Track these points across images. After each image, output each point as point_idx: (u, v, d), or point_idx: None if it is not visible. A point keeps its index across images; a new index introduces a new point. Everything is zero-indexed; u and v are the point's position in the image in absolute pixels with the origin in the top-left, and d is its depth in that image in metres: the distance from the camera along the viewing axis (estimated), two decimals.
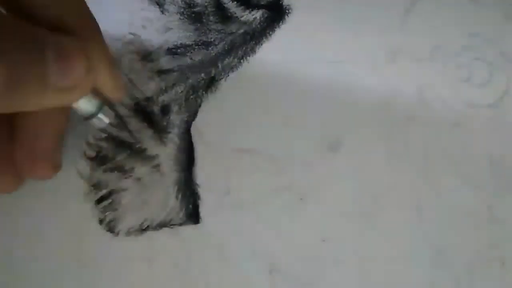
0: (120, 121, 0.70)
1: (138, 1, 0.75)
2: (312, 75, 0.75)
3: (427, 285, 0.70)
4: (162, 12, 0.76)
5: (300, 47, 0.76)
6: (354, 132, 0.74)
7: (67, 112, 0.62)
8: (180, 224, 0.71)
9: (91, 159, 0.72)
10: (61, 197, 0.71)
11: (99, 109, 0.59)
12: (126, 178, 0.72)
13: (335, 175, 0.72)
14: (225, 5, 0.76)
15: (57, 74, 0.42)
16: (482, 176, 0.72)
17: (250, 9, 0.76)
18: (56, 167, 0.66)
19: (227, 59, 0.75)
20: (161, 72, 0.75)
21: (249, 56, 0.75)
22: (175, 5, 0.76)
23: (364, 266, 0.70)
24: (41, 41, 0.43)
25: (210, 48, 0.75)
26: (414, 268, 0.70)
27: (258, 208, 0.72)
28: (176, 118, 0.74)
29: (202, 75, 0.75)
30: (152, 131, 0.73)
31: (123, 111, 0.73)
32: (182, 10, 0.76)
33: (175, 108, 0.74)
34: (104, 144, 0.72)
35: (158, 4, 0.76)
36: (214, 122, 0.74)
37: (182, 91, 0.74)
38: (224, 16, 0.76)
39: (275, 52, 0.75)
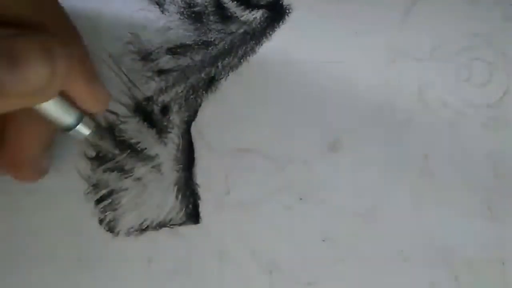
0: (103, 132, 0.69)
1: (138, 1, 0.75)
2: (312, 75, 0.75)
3: (427, 285, 0.70)
4: (162, 12, 0.76)
5: (300, 47, 0.76)
6: (354, 132, 0.74)
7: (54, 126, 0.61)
8: (180, 224, 0.71)
9: (91, 159, 0.72)
10: (61, 197, 0.71)
11: (79, 121, 0.57)
12: (126, 178, 0.72)
13: (335, 175, 0.72)
14: (225, 5, 0.76)
15: (11, 81, 0.39)
16: (482, 176, 0.72)
17: (250, 9, 0.76)
18: (41, 173, 0.66)
19: (227, 59, 0.75)
20: (161, 72, 0.75)
21: (249, 56, 0.75)
22: (175, 5, 0.76)
23: (364, 266, 0.70)
24: None
25: (210, 48, 0.75)
26: (414, 268, 0.70)
27: (258, 208, 0.72)
28: (176, 118, 0.74)
29: (202, 75, 0.75)
30: (152, 131, 0.73)
31: (123, 111, 0.73)
32: (182, 10, 0.76)
33: (175, 108, 0.74)
34: (104, 144, 0.72)
35: (158, 4, 0.76)
36: (214, 122, 0.74)
37: (182, 91, 0.74)
38: (224, 15, 0.76)
39: (275, 52, 0.75)
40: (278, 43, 0.75)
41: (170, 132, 0.73)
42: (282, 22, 0.76)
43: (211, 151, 0.73)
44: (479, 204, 0.71)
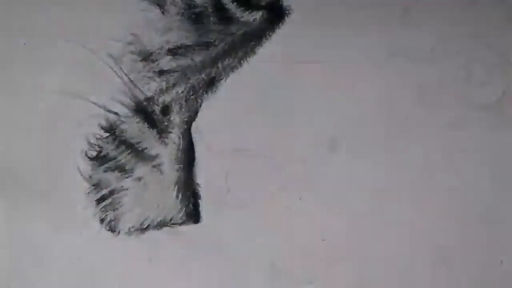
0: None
1: (139, 2, 0.76)
2: (312, 75, 0.75)
3: (427, 285, 0.70)
4: (163, 13, 0.76)
5: (300, 47, 0.76)
6: (354, 132, 0.74)
7: None
8: (181, 224, 0.72)
9: (91, 159, 0.73)
10: (62, 196, 0.71)
11: None
12: (126, 177, 0.73)
13: (335, 175, 0.73)
14: (226, 6, 0.76)
15: None
16: (482, 176, 0.72)
17: (250, 10, 0.76)
18: None
19: (227, 60, 0.75)
20: (161, 73, 0.75)
21: (249, 56, 0.75)
22: (176, 6, 0.77)
23: (364, 266, 0.70)
24: None
25: (210, 49, 0.75)
26: (414, 267, 0.70)
27: (258, 208, 0.72)
28: (176, 118, 0.74)
29: (203, 75, 0.75)
30: (152, 131, 0.73)
31: (124, 111, 0.73)
32: (182, 11, 0.76)
33: (175, 108, 0.74)
34: (105, 144, 0.73)
35: (158, 5, 0.76)
36: (214, 122, 0.74)
37: (182, 92, 0.75)
38: (224, 17, 0.76)
39: (275, 52, 0.75)
40: (278, 44, 0.75)
41: (170, 132, 0.74)
42: (282, 23, 0.76)
43: (211, 151, 0.73)
44: (478, 204, 0.71)
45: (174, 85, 0.75)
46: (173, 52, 0.75)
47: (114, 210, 0.71)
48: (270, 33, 0.76)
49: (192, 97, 0.74)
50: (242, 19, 0.76)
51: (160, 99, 0.74)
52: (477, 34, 0.75)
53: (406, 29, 0.76)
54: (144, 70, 0.75)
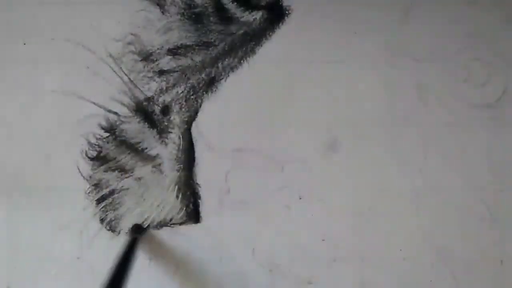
0: None
1: (139, 2, 0.76)
2: (312, 75, 0.75)
3: (427, 285, 0.70)
4: (163, 13, 0.76)
5: (300, 47, 0.76)
6: (354, 132, 0.74)
7: None
8: (181, 224, 0.72)
9: (92, 159, 0.73)
10: (62, 196, 0.71)
11: None
12: (126, 177, 0.73)
13: (335, 175, 0.73)
14: (226, 6, 0.76)
15: None
16: (482, 176, 0.72)
17: (250, 10, 0.76)
18: None
19: (227, 60, 0.75)
20: (161, 73, 0.75)
21: (249, 56, 0.75)
22: (176, 6, 0.77)
23: (364, 266, 0.70)
24: None
25: (210, 49, 0.75)
26: (414, 267, 0.70)
27: (258, 208, 0.72)
28: (176, 118, 0.74)
29: (203, 75, 0.75)
30: (152, 131, 0.74)
31: (124, 111, 0.73)
32: (182, 11, 0.76)
33: (175, 108, 0.74)
34: (105, 144, 0.73)
35: (158, 5, 0.76)
36: (214, 122, 0.74)
37: (182, 92, 0.75)
38: (224, 17, 0.76)
39: (275, 52, 0.75)
40: (278, 43, 0.76)
41: (170, 132, 0.74)
42: (282, 22, 0.76)
43: (212, 151, 0.73)
44: (478, 204, 0.71)
45: (174, 85, 0.75)
46: (173, 52, 0.75)
47: (114, 210, 0.72)
48: (270, 33, 0.76)
49: (192, 97, 0.75)
50: (242, 19, 0.76)
51: (160, 99, 0.74)
52: (477, 34, 0.75)
53: (406, 29, 0.76)
54: (144, 70, 0.75)
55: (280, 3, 0.76)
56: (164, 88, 0.75)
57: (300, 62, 0.75)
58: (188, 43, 0.76)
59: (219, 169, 0.73)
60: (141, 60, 0.75)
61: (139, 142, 0.73)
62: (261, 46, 0.75)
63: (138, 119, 0.74)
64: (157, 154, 0.73)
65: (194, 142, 0.73)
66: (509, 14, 0.76)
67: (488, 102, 0.74)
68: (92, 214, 0.72)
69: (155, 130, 0.74)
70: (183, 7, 0.77)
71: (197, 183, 0.72)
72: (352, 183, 0.72)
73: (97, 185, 0.72)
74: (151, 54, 0.75)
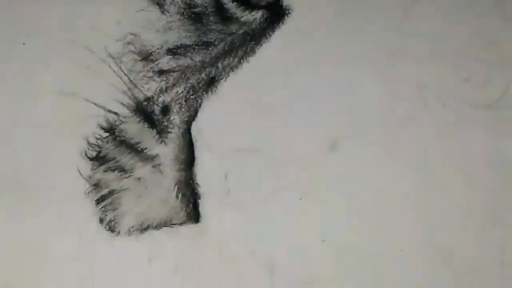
0: None
1: (138, 2, 0.76)
2: (312, 75, 0.75)
3: (427, 285, 0.70)
4: (163, 12, 0.76)
5: (300, 47, 0.76)
6: (354, 132, 0.74)
7: None
8: (181, 224, 0.72)
9: (91, 159, 0.73)
10: (62, 196, 0.71)
11: None
12: (126, 178, 0.73)
13: (335, 175, 0.73)
14: (225, 6, 0.76)
15: None
16: (482, 176, 0.72)
17: (250, 10, 0.76)
18: None
19: (227, 59, 0.75)
20: (161, 72, 0.75)
21: (249, 56, 0.75)
22: (176, 6, 0.77)
23: (364, 266, 0.70)
24: None
25: (210, 49, 0.75)
26: (414, 267, 0.70)
27: (258, 208, 0.72)
28: (176, 118, 0.74)
29: (202, 75, 0.75)
30: (152, 131, 0.73)
31: (123, 111, 0.73)
32: (182, 10, 0.76)
33: (175, 108, 0.74)
34: (105, 144, 0.73)
35: (158, 5, 0.76)
36: (214, 122, 0.74)
37: (182, 91, 0.75)
38: (224, 16, 0.76)
39: (275, 52, 0.75)
40: (278, 43, 0.76)
41: (170, 132, 0.74)
42: (282, 22, 0.76)
43: (211, 151, 0.73)
44: (478, 204, 0.71)
45: (174, 85, 0.75)
46: (173, 51, 0.75)
47: (113, 210, 0.71)
48: (270, 33, 0.76)
49: (192, 97, 0.74)
50: (242, 19, 0.76)
51: (160, 99, 0.74)
52: (477, 33, 0.75)
53: (406, 29, 0.76)
54: (144, 70, 0.75)
55: (280, 3, 0.76)
56: (164, 88, 0.75)
57: (300, 62, 0.75)
58: (188, 43, 0.76)
59: (219, 169, 0.73)
60: (140, 60, 0.75)
61: (139, 142, 0.73)
62: (261, 45, 0.75)
63: (137, 119, 0.74)
64: (157, 154, 0.73)
65: (194, 142, 0.73)
66: (510, 14, 0.76)
67: (489, 102, 0.74)
68: (92, 214, 0.72)
69: (155, 130, 0.74)
70: (183, 6, 0.77)
71: (197, 183, 0.72)
72: (352, 183, 0.72)
73: (96, 185, 0.72)
74: (150, 54, 0.75)
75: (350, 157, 0.73)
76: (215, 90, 0.75)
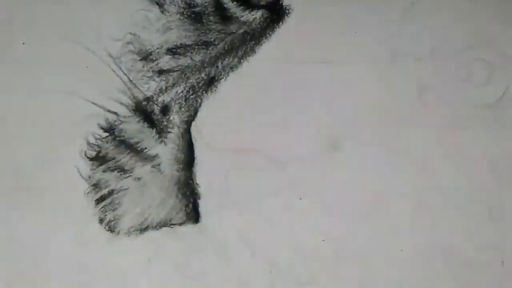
0: None
1: (138, 1, 0.75)
2: (312, 75, 0.75)
3: (427, 285, 0.70)
4: (162, 12, 0.76)
5: (300, 47, 0.76)
6: (354, 132, 0.74)
7: None
8: (180, 224, 0.71)
9: (91, 159, 0.73)
10: (62, 196, 0.71)
11: None
12: (126, 177, 0.73)
13: (335, 175, 0.73)
14: (225, 5, 0.76)
15: None
16: (482, 176, 0.72)
17: (250, 9, 0.76)
18: None
19: (227, 59, 0.75)
20: (161, 72, 0.75)
21: (249, 56, 0.75)
22: (175, 5, 0.76)
23: (364, 266, 0.70)
24: None
25: (210, 48, 0.75)
26: (414, 267, 0.70)
27: (258, 208, 0.72)
28: (176, 118, 0.74)
29: (202, 75, 0.75)
30: (152, 131, 0.73)
31: (123, 111, 0.73)
32: (182, 10, 0.76)
33: (175, 108, 0.74)
34: (104, 144, 0.73)
35: (158, 4, 0.76)
36: (214, 122, 0.74)
37: (182, 91, 0.75)
38: (224, 16, 0.76)
39: (275, 52, 0.75)
40: (278, 43, 0.75)
41: (170, 132, 0.74)
42: (282, 22, 0.76)
43: (211, 151, 0.73)
44: (478, 204, 0.71)
45: (173, 84, 0.75)
46: (173, 51, 0.75)
47: (113, 210, 0.71)
48: (270, 33, 0.76)
49: (192, 97, 0.74)
50: (242, 19, 0.76)
51: (160, 99, 0.74)
52: (477, 33, 0.75)
53: (406, 29, 0.76)
54: (144, 69, 0.75)
55: (280, 3, 0.76)
56: (164, 87, 0.75)
57: (300, 62, 0.75)
58: (187, 43, 0.76)
59: (219, 169, 0.72)
60: (140, 60, 0.75)
61: (139, 142, 0.73)
62: (261, 45, 0.75)
63: (137, 119, 0.74)
64: (157, 154, 0.73)
65: (193, 142, 0.73)
66: (510, 14, 0.76)
67: (489, 102, 0.74)
68: (92, 214, 0.71)
69: (155, 130, 0.74)
70: (182, 6, 0.77)
71: (197, 183, 0.72)
72: (352, 183, 0.72)
73: (96, 185, 0.72)
74: (150, 53, 0.75)
75: (350, 157, 0.73)
76: (215, 90, 0.75)
